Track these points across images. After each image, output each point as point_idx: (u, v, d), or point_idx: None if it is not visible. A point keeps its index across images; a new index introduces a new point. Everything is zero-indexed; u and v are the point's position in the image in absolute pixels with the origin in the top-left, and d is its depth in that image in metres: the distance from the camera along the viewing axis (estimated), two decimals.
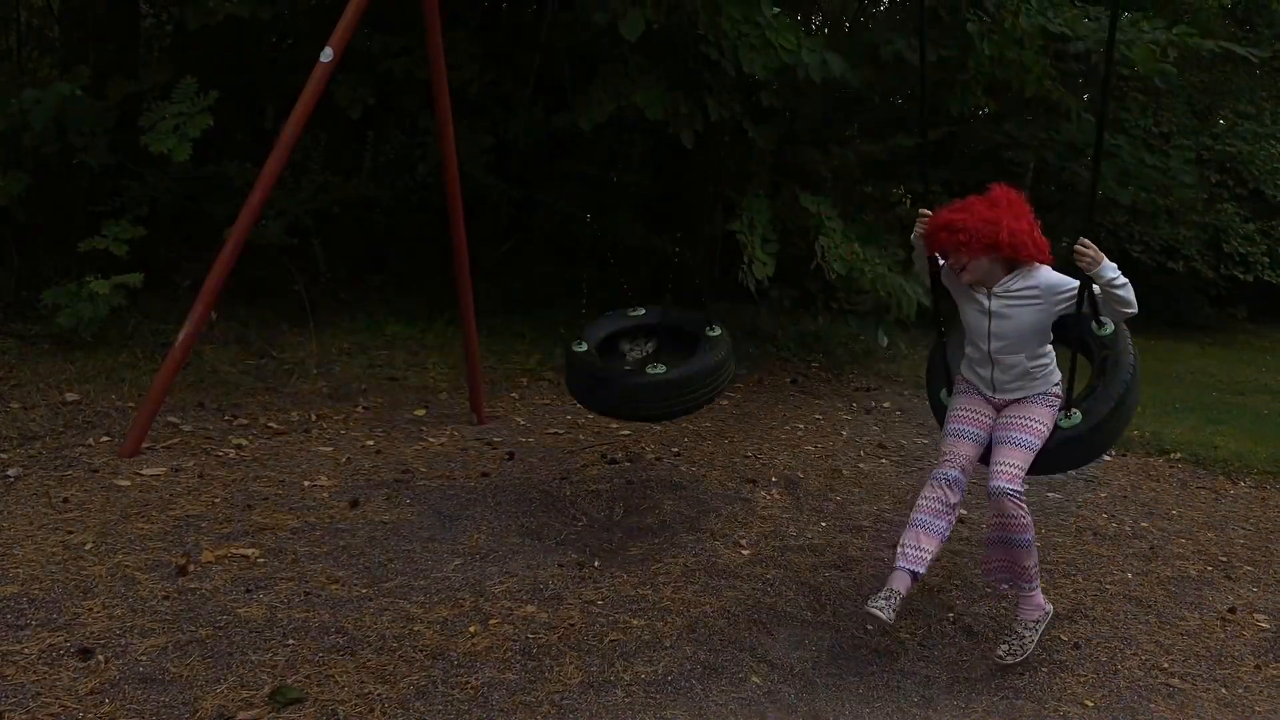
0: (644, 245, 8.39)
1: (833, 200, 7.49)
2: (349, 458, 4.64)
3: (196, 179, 6.29)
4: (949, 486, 3.12)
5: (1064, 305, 3.09)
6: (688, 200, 8.85)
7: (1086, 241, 2.91)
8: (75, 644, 2.70)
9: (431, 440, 5.08)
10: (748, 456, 5.35)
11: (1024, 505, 3.04)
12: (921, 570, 3.05)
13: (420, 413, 5.56)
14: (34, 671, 2.56)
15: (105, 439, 4.45)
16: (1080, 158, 9.97)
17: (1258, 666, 3.34)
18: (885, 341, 8.34)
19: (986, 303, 3.15)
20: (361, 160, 7.70)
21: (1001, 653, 3.10)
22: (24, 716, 2.37)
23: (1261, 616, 3.76)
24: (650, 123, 6.74)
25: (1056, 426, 3.19)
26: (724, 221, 7.43)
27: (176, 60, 6.81)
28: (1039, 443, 3.13)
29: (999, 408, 3.28)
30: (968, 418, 3.27)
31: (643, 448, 5.30)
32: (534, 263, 9.01)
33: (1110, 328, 3.27)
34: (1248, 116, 13.04)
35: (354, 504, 4.02)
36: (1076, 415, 3.20)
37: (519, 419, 5.73)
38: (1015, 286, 3.10)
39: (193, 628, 2.86)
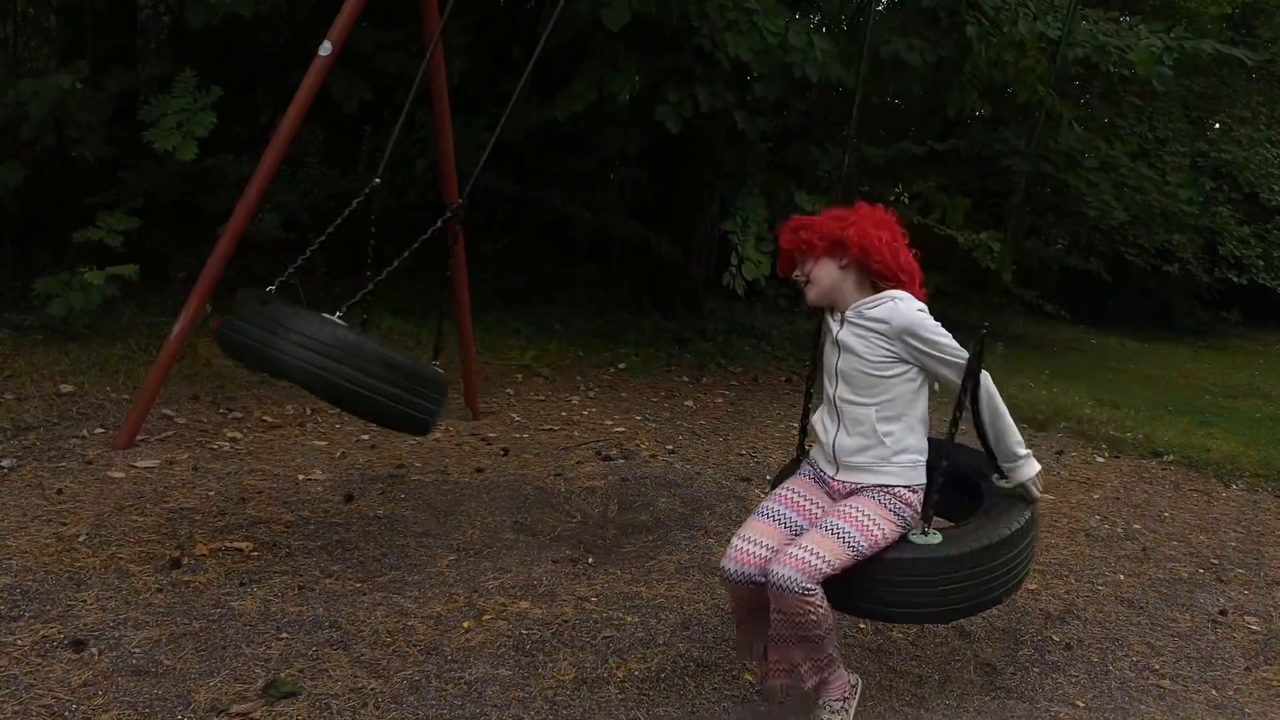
0: (640, 242, 8.40)
1: (830, 199, 7.49)
2: (343, 452, 4.64)
3: (193, 172, 6.27)
4: (732, 587, 2.55)
5: (923, 357, 2.47)
6: (683, 197, 8.85)
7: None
8: (68, 636, 2.70)
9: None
10: (742, 454, 5.36)
11: (813, 600, 2.36)
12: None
13: None
14: (27, 663, 2.55)
15: (100, 431, 4.45)
16: (1073, 166, 10.01)
17: (1248, 669, 3.35)
18: None
19: (836, 329, 2.59)
20: (358, 155, 7.68)
21: None
22: (16, 708, 2.37)
23: (1252, 619, 3.78)
24: (646, 117, 6.73)
25: (904, 539, 2.47)
26: (720, 219, 7.43)
27: (174, 52, 6.80)
28: (863, 544, 2.40)
29: (835, 496, 2.60)
30: (788, 499, 2.63)
31: (637, 445, 5.31)
32: (530, 259, 9.02)
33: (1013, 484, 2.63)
34: (1243, 121, 13.08)
35: (348, 498, 4.02)
36: (934, 535, 2.46)
37: (514, 415, 5.73)
38: (867, 312, 2.52)
39: (186, 620, 2.86)
